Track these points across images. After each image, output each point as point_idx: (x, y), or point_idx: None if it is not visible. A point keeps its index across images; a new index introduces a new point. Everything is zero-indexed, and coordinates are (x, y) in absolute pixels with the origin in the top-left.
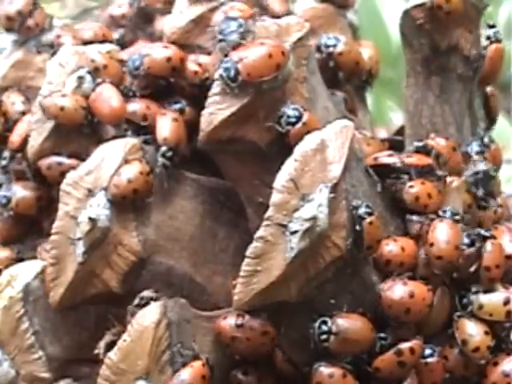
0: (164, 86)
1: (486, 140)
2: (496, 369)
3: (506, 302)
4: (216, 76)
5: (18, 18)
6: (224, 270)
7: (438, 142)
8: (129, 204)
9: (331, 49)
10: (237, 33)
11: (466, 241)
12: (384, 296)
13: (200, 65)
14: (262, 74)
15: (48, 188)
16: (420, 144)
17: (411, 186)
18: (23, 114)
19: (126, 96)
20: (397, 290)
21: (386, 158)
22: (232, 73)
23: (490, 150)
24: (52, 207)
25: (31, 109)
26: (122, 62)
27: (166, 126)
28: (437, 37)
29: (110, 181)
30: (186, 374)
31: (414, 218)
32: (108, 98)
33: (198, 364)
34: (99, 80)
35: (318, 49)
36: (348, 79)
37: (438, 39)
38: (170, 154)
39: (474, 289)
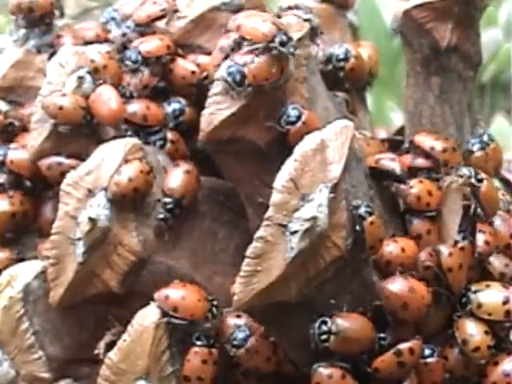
0: (164, 86)
1: (485, 138)
2: (496, 368)
3: (505, 302)
4: (217, 76)
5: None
6: (224, 270)
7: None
8: (129, 204)
9: (342, 63)
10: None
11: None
12: (383, 287)
13: (198, 65)
14: (268, 77)
15: (22, 202)
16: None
17: (411, 187)
18: (14, 117)
19: (126, 97)
20: (397, 283)
21: (388, 161)
22: (238, 77)
23: (489, 148)
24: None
25: (18, 109)
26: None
27: (176, 176)
28: (437, 37)
29: (110, 181)
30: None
31: (414, 218)
32: (107, 99)
33: (191, 352)
34: (101, 81)
35: (328, 60)
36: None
37: (438, 39)
38: (171, 206)
39: (473, 288)
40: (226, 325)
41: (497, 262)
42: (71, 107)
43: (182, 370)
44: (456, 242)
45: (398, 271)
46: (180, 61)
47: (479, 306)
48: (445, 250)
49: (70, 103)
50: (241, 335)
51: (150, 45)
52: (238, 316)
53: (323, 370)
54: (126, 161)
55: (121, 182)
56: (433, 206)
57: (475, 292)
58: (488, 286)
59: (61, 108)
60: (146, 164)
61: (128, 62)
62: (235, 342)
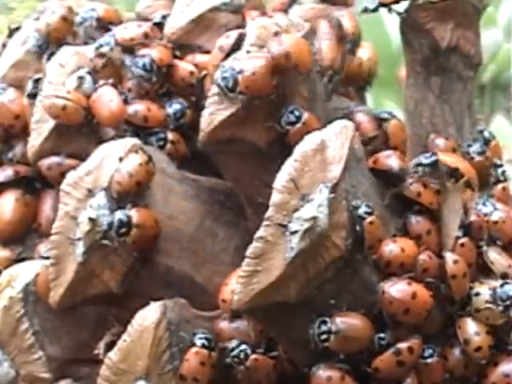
0: (164, 87)
1: (486, 135)
2: (496, 369)
3: (505, 309)
4: (214, 78)
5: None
6: (224, 270)
7: None
8: (129, 204)
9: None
10: None
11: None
12: (386, 292)
13: (196, 65)
14: (260, 90)
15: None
16: None
17: (411, 184)
18: None
19: (126, 99)
20: (400, 289)
21: (385, 159)
22: (230, 83)
23: (490, 146)
24: None
25: None
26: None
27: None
28: (437, 37)
29: (109, 181)
30: (183, 368)
31: (414, 218)
32: (108, 101)
33: (191, 352)
34: (101, 82)
35: None
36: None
37: (437, 39)
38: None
39: (475, 289)
40: (225, 331)
41: (499, 263)
42: (73, 107)
43: (179, 369)
44: (457, 238)
45: (399, 274)
46: (178, 62)
47: (478, 309)
48: (450, 256)
49: (73, 103)
50: (242, 353)
51: (160, 52)
52: (238, 318)
53: (322, 372)
54: (122, 158)
55: (122, 179)
56: (424, 199)
57: (477, 295)
58: (490, 289)
59: (64, 108)
60: (142, 154)
61: (140, 71)
62: (235, 359)
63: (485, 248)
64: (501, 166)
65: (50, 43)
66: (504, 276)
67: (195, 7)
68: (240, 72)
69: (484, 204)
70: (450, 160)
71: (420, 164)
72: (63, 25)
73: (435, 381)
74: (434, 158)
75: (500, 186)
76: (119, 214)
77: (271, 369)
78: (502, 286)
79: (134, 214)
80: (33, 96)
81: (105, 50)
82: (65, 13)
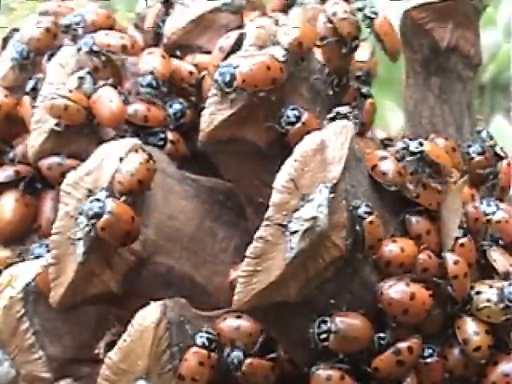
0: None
1: (483, 135)
2: (496, 368)
3: (506, 307)
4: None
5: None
6: (224, 270)
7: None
8: (129, 204)
9: None
10: None
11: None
12: (385, 293)
13: (196, 65)
14: (257, 84)
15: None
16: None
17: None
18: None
19: (126, 99)
20: (398, 290)
21: (382, 163)
22: (227, 77)
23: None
24: None
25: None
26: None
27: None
28: (436, 37)
29: (110, 181)
30: (182, 367)
31: (414, 218)
32: (108, 101)
33: (190, 352)
34: (101, 83)
35: None
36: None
37: (437, 39)
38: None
39: (476, 288)
40: (226, 331)
41: (502, 263)
42: (75, 107)
43: (178, 368)
44: (457, 238)
45: (399, 274)
46: (178, 63)
47: (479, 308)
48: (450, 256)
49: (74, 103)
50: (236, 359)
51: (160, 66)
52: (238, 317)
53: (322, 372)
54: (123, 158)
55: (124, 179)
56: (423, 200)
57: (478, 293)
58: (491, 287)
59: (65, 108)
60: (142, 153)
61: (146, 89)
62: (231, 365)
63: (487, 248)
64: (495, 145)
65: (31, 52)
66: (506, 275)
67: (195, 8)
68: (237, 67)
69: (488, 204)
70: (437, 154)
71: (407, 149)
72: (45, 36)
73: (435, 380)
74: (420, 149)
75: (505, 162)
76: (95, 201)
77: (269, 371)
78: (510, 285)
79: (110, 203)
80: (31, 96)
81: (85, 50)
82: (49, 25)
